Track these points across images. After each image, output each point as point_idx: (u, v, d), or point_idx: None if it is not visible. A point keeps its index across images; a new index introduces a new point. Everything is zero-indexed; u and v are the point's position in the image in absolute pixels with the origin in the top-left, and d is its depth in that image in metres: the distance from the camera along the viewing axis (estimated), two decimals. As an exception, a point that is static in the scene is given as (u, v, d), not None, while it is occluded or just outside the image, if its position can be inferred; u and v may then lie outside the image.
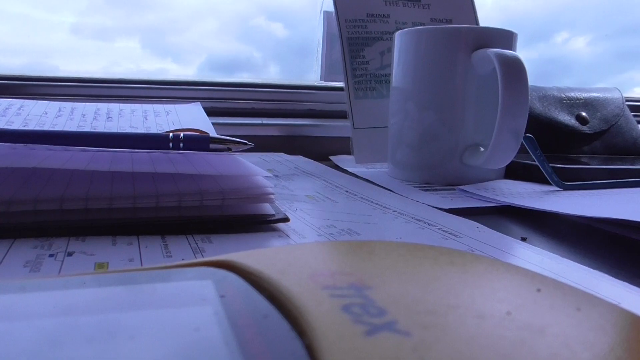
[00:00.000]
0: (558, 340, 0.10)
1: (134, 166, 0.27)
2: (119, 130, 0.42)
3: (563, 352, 0.09)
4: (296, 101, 0.72)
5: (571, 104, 0.56)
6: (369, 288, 0.12)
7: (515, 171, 0.46)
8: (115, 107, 0.50)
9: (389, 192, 0.40)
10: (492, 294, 0.12)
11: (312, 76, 0.77)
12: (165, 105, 0.53)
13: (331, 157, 0.61)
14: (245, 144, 0.31)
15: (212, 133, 0.40)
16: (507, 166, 0.44)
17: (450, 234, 0.28)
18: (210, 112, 0.52)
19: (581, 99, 0.57)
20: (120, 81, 0.67)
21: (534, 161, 0.41)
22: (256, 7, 0.89)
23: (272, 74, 0.91)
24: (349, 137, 0.55)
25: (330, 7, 0.58)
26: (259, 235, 0.26)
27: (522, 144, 0.40)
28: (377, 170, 0.52)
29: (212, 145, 0.30)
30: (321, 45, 0.65)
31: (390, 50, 0.48)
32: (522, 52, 0.43)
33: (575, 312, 0.11)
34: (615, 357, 0.10)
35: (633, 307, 0.13)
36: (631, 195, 0.38)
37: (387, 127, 0.49)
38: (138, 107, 0.51)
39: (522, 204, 0.35)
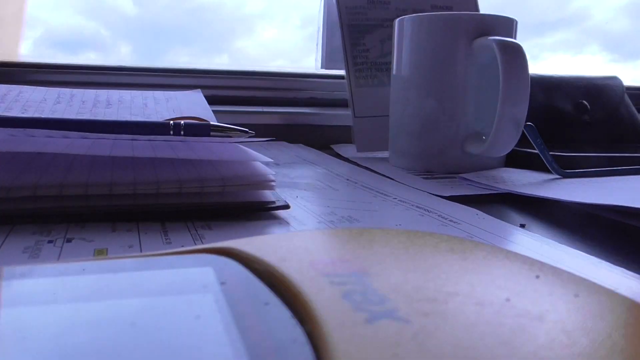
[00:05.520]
0: (556, 326, 0.10)
1: (135, 152, 0.27)
2: (119, 118, 0.42)
3: (561, 338, 0.10)
4: (297, 89, 0.72)
5: (571, 92, 0.56)
6: (369, 275, 0.12)
7: (516, 159, 0.46)
8: (115, 93, 0.50)
9: (390, 180, 0.40)
10: (491, 281, 0.12)
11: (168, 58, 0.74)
12: (165, 92, 0.53)
13: (332, 146, 0.61)
14: (246, 132, 0.31)
15: (213, 121, 0.40)
16: (507, 154, 0.44)
17: (450, 221, 0.28)
18: (211, 100, 0.51)
19: (581, 87, 0.57)
20: (120, 68, 0.67)
21: (535, 149, 0.41)
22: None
23: (123, 55, 0.82)
24: (350, 126, 0.55)
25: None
26: (260, 222, 0.27)
27: (522, 132, 0.40)
28: (378, 158, 0.52)
29: (212, 134, 0.30)
30: (321, 33, 0.64)
31: (390, 37, 0.48)
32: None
33: (574, 298, 0.11)
34: (613, 343, 0.10)
35: (631, 294, 0.13)
36: (631, 183, 0.38)
37: (388, 115, 0.48)
38: (138, 94, 0.51)
39: (521, 192, 0.35)
